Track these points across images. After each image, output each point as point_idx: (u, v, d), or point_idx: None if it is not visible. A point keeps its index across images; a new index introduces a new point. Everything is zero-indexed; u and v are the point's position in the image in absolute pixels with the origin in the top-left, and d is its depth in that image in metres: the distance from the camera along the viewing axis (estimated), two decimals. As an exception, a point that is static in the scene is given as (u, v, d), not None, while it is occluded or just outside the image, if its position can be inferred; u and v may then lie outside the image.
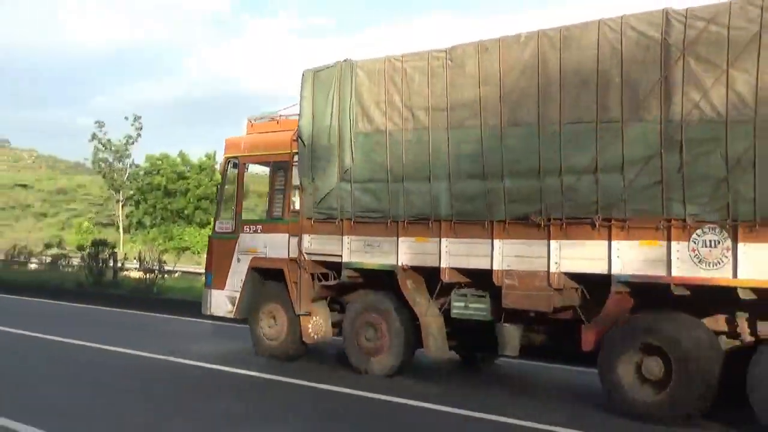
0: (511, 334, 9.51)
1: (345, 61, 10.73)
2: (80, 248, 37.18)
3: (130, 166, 50.89)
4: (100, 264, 24.69)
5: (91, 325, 16.11)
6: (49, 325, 15.00)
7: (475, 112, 9.31)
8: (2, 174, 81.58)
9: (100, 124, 49.77)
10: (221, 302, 12.41)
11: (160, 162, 51.06)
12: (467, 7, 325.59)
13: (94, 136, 49.37)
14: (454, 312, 9.87)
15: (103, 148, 49.68)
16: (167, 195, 49.94)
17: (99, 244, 26.25)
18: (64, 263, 31.67)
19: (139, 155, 54.93)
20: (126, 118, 49.57)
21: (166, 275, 24.19)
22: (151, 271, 23.66)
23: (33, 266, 32.92)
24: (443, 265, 9.66)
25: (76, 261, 30.49)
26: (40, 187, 75.49)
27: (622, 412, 8.24)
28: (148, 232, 49.78)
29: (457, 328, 10.24)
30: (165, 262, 24.90)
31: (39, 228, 61.32)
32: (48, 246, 42.90)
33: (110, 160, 50.06)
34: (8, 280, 25.64)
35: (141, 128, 49.24)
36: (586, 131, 8.46)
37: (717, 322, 8.19)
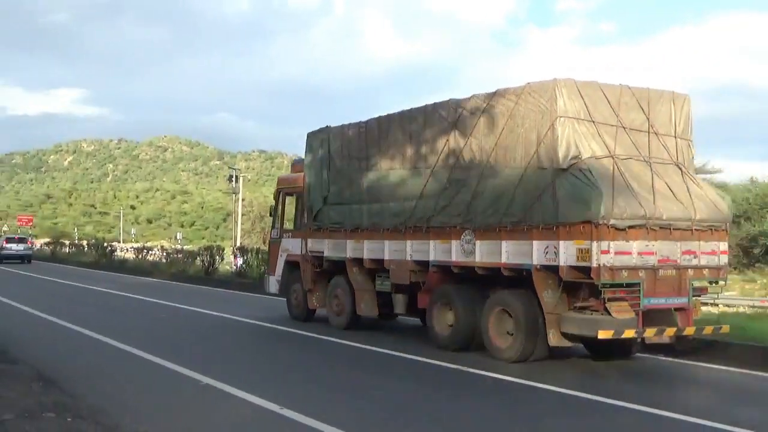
0: (398, 299, 15.38)
1: (327, 127, 17.07)
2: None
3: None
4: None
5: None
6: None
7: (378, 161, 15.41)
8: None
9: None
10: (273, 284, 19.30)
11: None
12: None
13: None
14: (377, 287, 15.87)
15: None
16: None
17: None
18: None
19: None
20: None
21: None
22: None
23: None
24: (365, 257, 15.73)
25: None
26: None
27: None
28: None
29: (380, 297, 16.11)
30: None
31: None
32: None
33: None
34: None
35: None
36: (414, 174, 14.32)
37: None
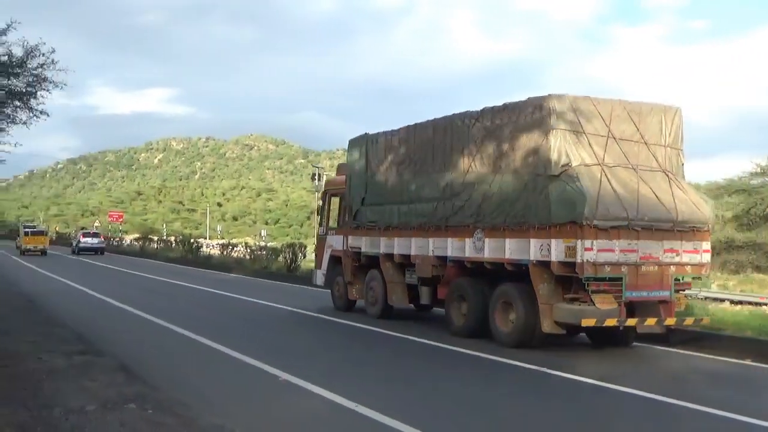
0: (423, 291, 17.13)
1: (366, 134, 18.95)
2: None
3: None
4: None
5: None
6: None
7: (405, 167, 17.24)
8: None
9: None
10: (320, 277, 21.24)
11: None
12: None
13: None
14: (407, 280, 17.67)
15: None
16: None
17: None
18: None
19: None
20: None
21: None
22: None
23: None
24: (396, 252, 17.55)
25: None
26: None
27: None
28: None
29: (410, 289, 17.83)
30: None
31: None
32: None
33: None
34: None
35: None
36: (437, 178, 16.09)
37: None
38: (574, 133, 13.41)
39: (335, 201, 20.95)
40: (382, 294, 18.30)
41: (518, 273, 13.96)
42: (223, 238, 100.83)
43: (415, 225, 16.78)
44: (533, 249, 13.49)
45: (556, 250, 13.06)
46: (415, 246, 16.83)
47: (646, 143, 14.03)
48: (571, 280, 13.21)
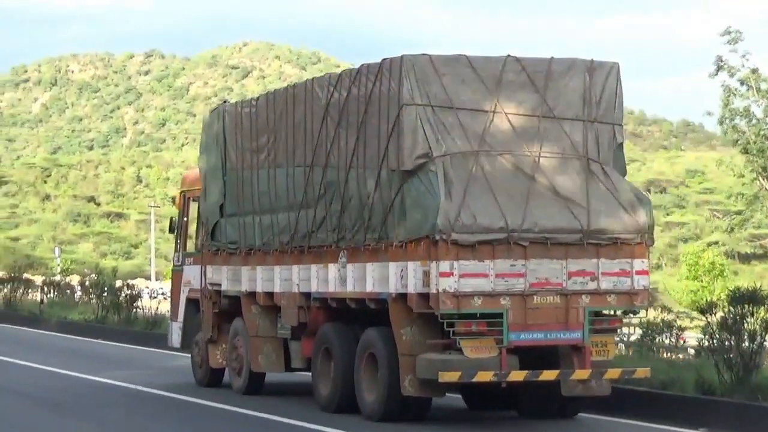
0: (293, 348, 12.42)
1: (224, 103, 14.02)
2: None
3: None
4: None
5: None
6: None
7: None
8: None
9: (734, 37, 30.20)
10: (175, 333, 15.00)
11: None
12: None
13: (720, 65, 30.60)
14: (279, 332, 12.67)
15: (736, 93, 30.32)
16: None
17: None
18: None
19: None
20: None
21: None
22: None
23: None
24: (258, 289, 12.71)
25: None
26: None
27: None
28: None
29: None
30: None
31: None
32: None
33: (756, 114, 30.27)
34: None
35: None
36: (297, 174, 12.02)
37: None
38: (440, 110, 10.12)
39: (196, 209, 15.00)
40: (246, 356, 13.02)
41: (383, 312, 10.55)
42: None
43: (277, 246, 12.55)
44: (392, 277, 10.23)
45: (414, 277, 9.85)
46: (279, 279, 12.56)
47: (556, 118, 10.41)
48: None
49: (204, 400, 12.81)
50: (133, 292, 25.88)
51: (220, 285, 13.51)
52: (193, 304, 14.43)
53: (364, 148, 10.66)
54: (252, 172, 12.75)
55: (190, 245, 15.16)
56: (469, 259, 9.52)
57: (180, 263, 15.13)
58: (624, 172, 10.72)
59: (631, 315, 10.72)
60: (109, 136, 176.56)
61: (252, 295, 12.81)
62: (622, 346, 14.77)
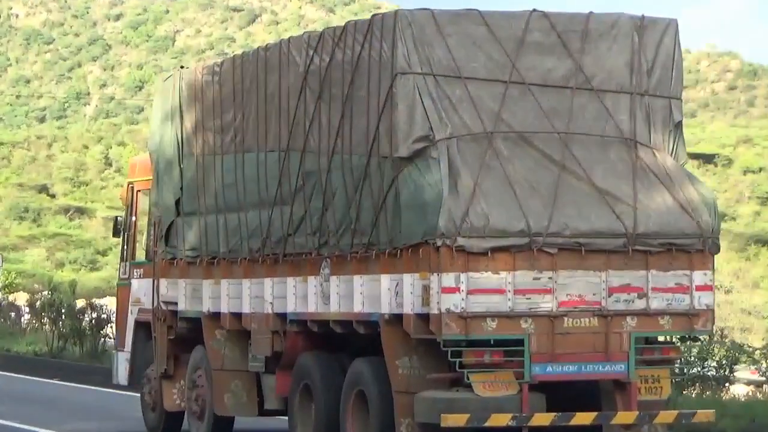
0: (267, 384, 10.89)
1: (179, 69, 12.23)
2: None
3: None
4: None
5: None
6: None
7: None
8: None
9: None
10: (122, 366, 13.02)
11: None
12: None
13: None
14: (250, 365, 11.18)
15: None
16: None
17: None
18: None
19: None
20: None
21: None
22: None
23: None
24: (223, 309, 11.05)
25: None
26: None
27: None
28: None
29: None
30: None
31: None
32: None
33: None
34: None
35: None
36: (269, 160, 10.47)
37: None
38: (444, 79, 8.74)
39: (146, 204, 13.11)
40: (209, 396, 11.38)
41: (374, 338, 9.17)
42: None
43: (246, 254, 10.90)
44: (385, 294, 8.84)
45: (411, 293, 8.48)
46: (248, 296, 10.87)
47: (594, 90, 8.99)
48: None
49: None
50: (101, 315, 22.69)
51: (176, 304, 11.81)
52: (143, 328, 12.56)
53: (351, 128, 9.21)
54: (215, 158, 11.08)
55: (141, 253, 13.13)
56: (481, 270, 8.21)
57: (127, 276, 13.13)
58: (683, 159, 9.17)
59: (691, 342, 9.32)
60: (66, 104, 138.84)
61: (216, 316, 11.20)
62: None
